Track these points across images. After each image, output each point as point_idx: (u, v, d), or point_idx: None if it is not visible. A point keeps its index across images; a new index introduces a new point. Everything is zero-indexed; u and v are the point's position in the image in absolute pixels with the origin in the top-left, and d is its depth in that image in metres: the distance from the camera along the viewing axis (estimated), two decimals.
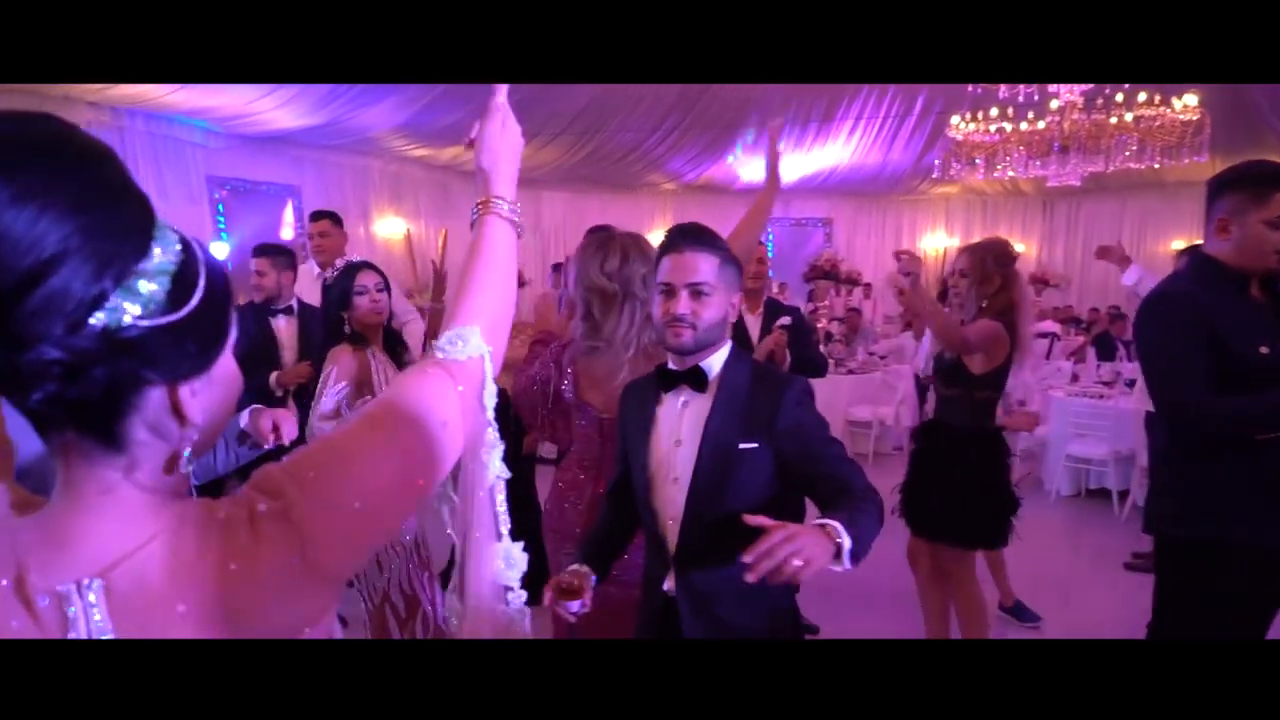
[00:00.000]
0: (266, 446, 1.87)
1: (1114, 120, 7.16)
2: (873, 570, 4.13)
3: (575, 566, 1.79)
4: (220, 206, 8.06)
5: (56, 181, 0.61)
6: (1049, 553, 4.93)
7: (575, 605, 1.69)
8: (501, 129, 1.06)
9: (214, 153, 7.84)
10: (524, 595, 1.03)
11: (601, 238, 2.24)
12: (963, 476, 3.06)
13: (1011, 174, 8.11)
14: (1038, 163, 7.73)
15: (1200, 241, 2.26)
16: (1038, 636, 3.86)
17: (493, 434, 0.97)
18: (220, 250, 7.71)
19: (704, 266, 1.72)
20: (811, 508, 1.64)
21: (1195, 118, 7.01)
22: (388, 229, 9.94)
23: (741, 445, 1.70)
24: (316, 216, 4.43)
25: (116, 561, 0.67)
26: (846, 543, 1.35)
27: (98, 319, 0.62)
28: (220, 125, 7.70)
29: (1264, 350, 2.00)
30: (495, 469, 0.99)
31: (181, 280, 0.68)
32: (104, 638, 0.66)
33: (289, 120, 7.81)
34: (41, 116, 0.64)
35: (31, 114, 0.64)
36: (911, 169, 11.72)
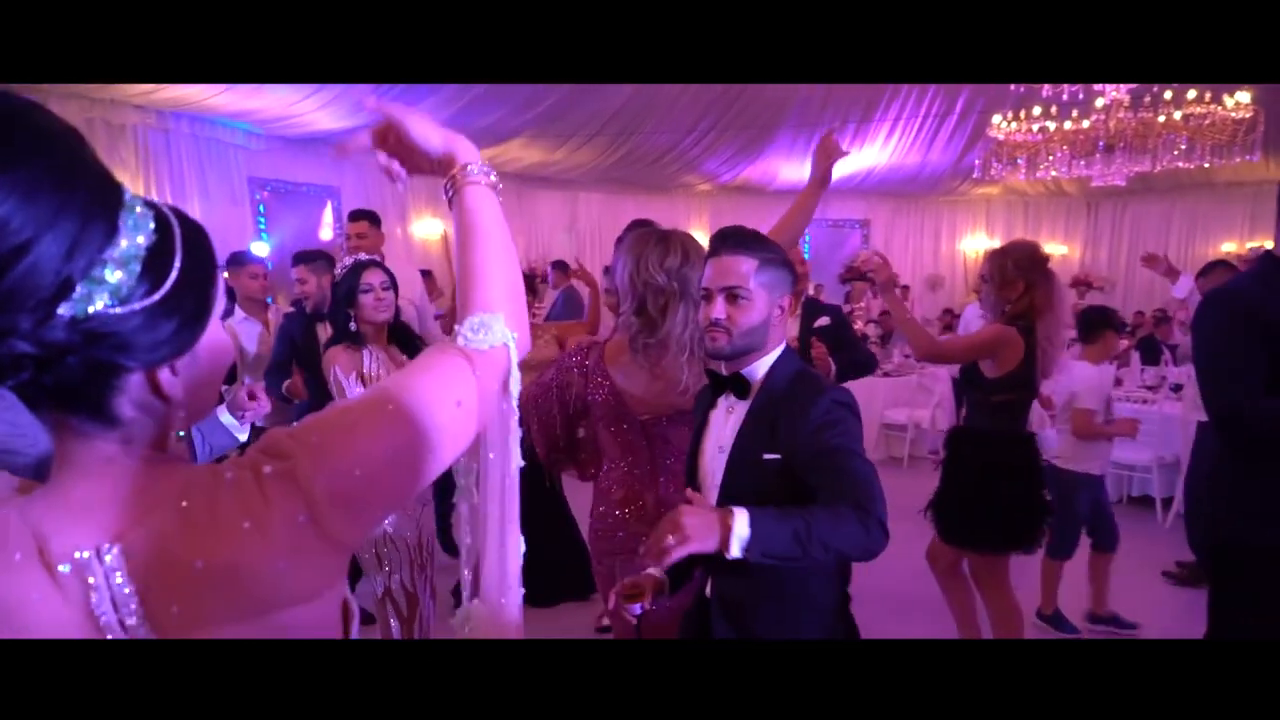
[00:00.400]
0: (245, 415, 2.00)
1: (1161, 119, 6.98)
2: (909, 578, 4.08)
3: (649, 570, 1.76)
4: (261, 207, 8.21)
5: (18, 171, 0.59)
6: (1080, 560, 4.81)
7: (636, 608, 1.68)
8: (411, 114, 0.96)
9: (255, 154, 7.98)
10: (523, 592, 1.02)
11: (661, 233, 2.16)
12: (985, 480, 3.02)
13: (1054, 174, 7.95)
14: (1082, 162, 7.57)
15: (1270, 244, 2.18)
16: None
17: (514, 423, 0.94)
18: (261, 250, 7.84)
19: (740, 270, 1.68)
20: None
21: (1248, 115, 6.81)
22: (425, 230, 10.03)
23: (765, 456, 1.65)
24: (355, 217, 4.42)
25: (131, 525, 0.68)
26: (741, 530, 1.35)
27: (65, 309, 0.61)
28: (262, 127, 7.83)
29: None
30: (517, 459, 0.96)
31: (154, 263, 0.67)
32: (129, 600, 0.67)
33: (329, 122, 7.92)
34: None
35: None
36: (951, 169, 11.56)
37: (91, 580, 0.67)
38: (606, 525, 2.21)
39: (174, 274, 0.68)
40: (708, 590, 1.77)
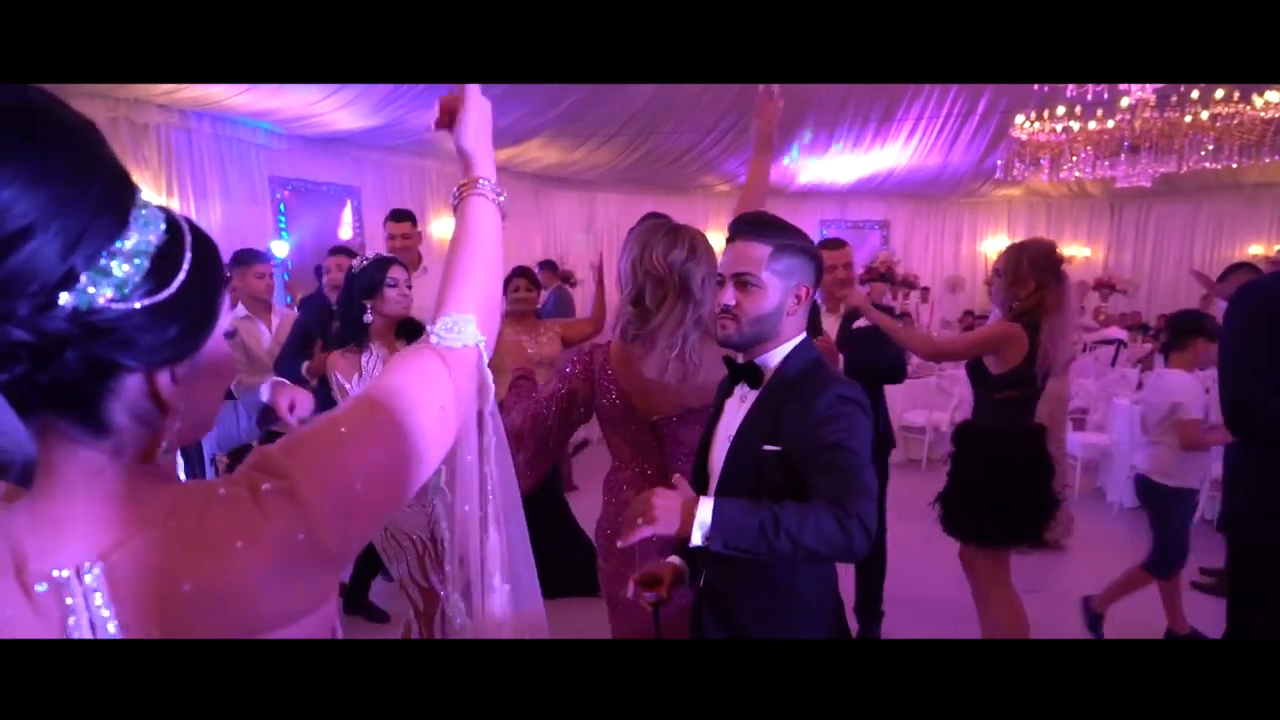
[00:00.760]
0: (287, 420, 1.97)
1: (1188, 119, 6.88)
2: (926, 582, 4.04)
3: (669, 560, 1.77)
4: (282, 206, 8.26)
5: (20, 153, 0.58)
6: (1113, 567, 4.73)
7: (652, 595, 1.67)
8: (480, 107, 1.03)
9: (276, 154, 8.04)
10: (507, 589, 1.01)
11: (672, 225, 2.12)
12: (989, 475, 3.01)
13: (1077, 175, 7.85)
14: (1106, 163, 7.47)
15: None
16: None
17: (494, 426, 0.95)
18: (280, 249, 7.90)
19: (752, 256, 1.64)
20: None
21: (1278, 115, 6.70)
22: (444, 229, 10.07)
23: (765, 447, 1.61)
24: (400, 217, 4.39)
25: (116, 544, 0.66)
26: (702, 516, 1.38)
27: (67, 300, 0.60)
28: (283, 127, 7.88)
29: None
30: (499, 462, 0.97)
31: (162, 261, 0.65)
32: (106, 623, 0.65)
33: (350, 121, 7.97)
34: (16, 89, 0.62)
35: (5, 86, 0.62)
36: (973, 170, 11.46)
37: (69, 601, 0.64)
38: (615, 524, 2.15)
39: (182, 275, 0.67)
40: (701, 580, 1.76)
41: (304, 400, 2.00)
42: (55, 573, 0.64)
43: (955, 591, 3.48)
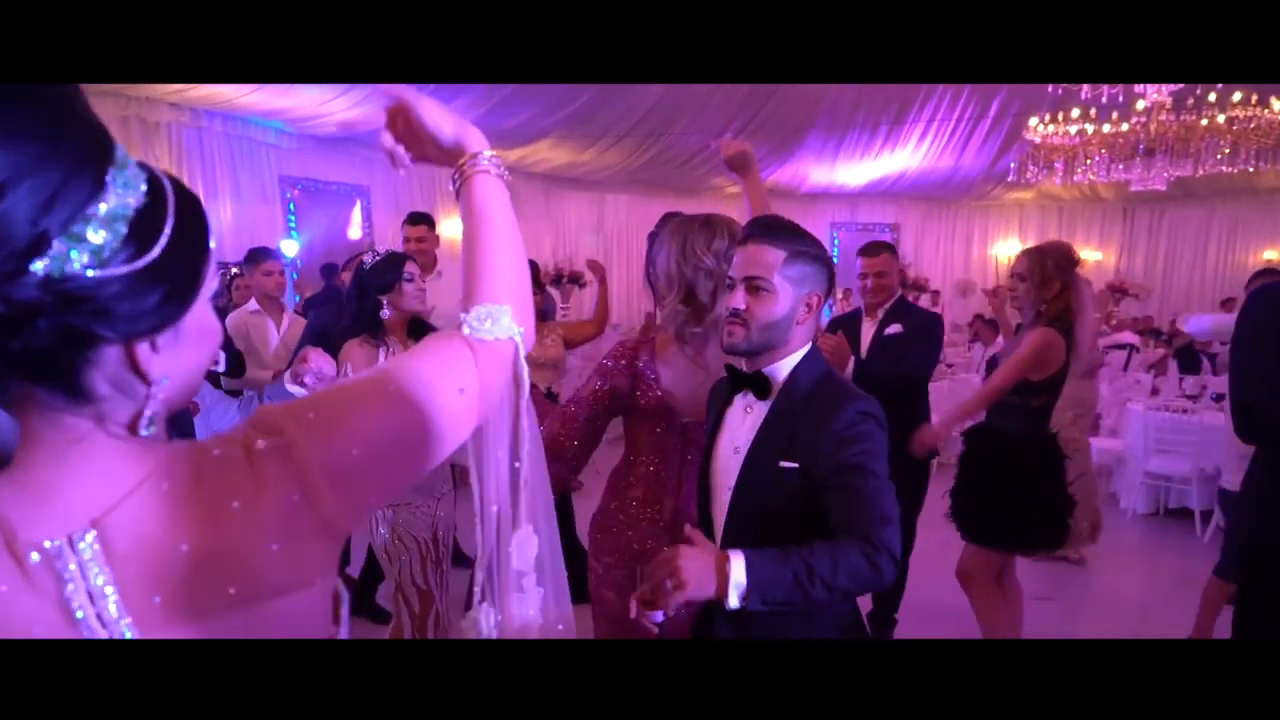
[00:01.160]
0: (306, 378, 2.03)
1: (1204, 122, 6.82)
2: (941, 587, 3.99)
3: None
4: (291, 206, 8.27)
5: None
6: (1126, 574, 4.70)
7: (659, 616, 1.59)
8: (425, 100, 0.94)
9: (286, 153, 8.06)
10: (540, 593, 0.98)
11: (705, 217, 2.08)
12: (1015, 481, 2.97)
13: (1091, 178, 7.80)
14: (1121, 166, 7.41)
15: None
16: None
17: (527, 421, 0.91)
18: (290, 248, 7.91)
19: (764, 260, 1.60)
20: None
21: None
22: (453, 229, 10.07)
23: (782, 463, 1.57)
24: (415, 220, 4.37)
25: (108, 509, 0.63)
26: (738, 576, 1.30)
27: (39, 266, 0.56)
28: (293, 126, 7.90)
29: None
30: (532, 458, 0.93)
31: (142, 226, 0.61)
32: (104, 590, 0.62)
33: (360, 121, 7.97)
34: None
35: None
36: (984, 173, 11.41)
37: (65, 570, 0.61)
38: (616, 522, 2.10)
39: (163, 240, 0.63)
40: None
41: (324, 361, 2.09)
42: (47, 543, 0.61)
43: (964, 597, 3.44)
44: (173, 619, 0.64)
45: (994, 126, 9.84)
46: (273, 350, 4.13)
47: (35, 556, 0.61)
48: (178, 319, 0.66)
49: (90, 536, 0.62)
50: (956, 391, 7.17)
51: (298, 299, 7.31)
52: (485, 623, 0.96)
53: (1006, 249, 13.23)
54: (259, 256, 4.32)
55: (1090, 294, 3.05)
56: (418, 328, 2.79)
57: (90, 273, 0.58)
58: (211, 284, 0.70)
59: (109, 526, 0.62)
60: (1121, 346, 8.51)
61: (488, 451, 0.91)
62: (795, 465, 1.56)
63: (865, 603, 3.69)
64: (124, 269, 0.60)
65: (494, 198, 0.91)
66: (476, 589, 0.96)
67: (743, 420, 1.69)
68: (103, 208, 0.59)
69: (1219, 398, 5.61)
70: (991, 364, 3.17)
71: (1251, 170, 7.06)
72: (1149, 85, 6.47)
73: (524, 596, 0.95)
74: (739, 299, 1.60)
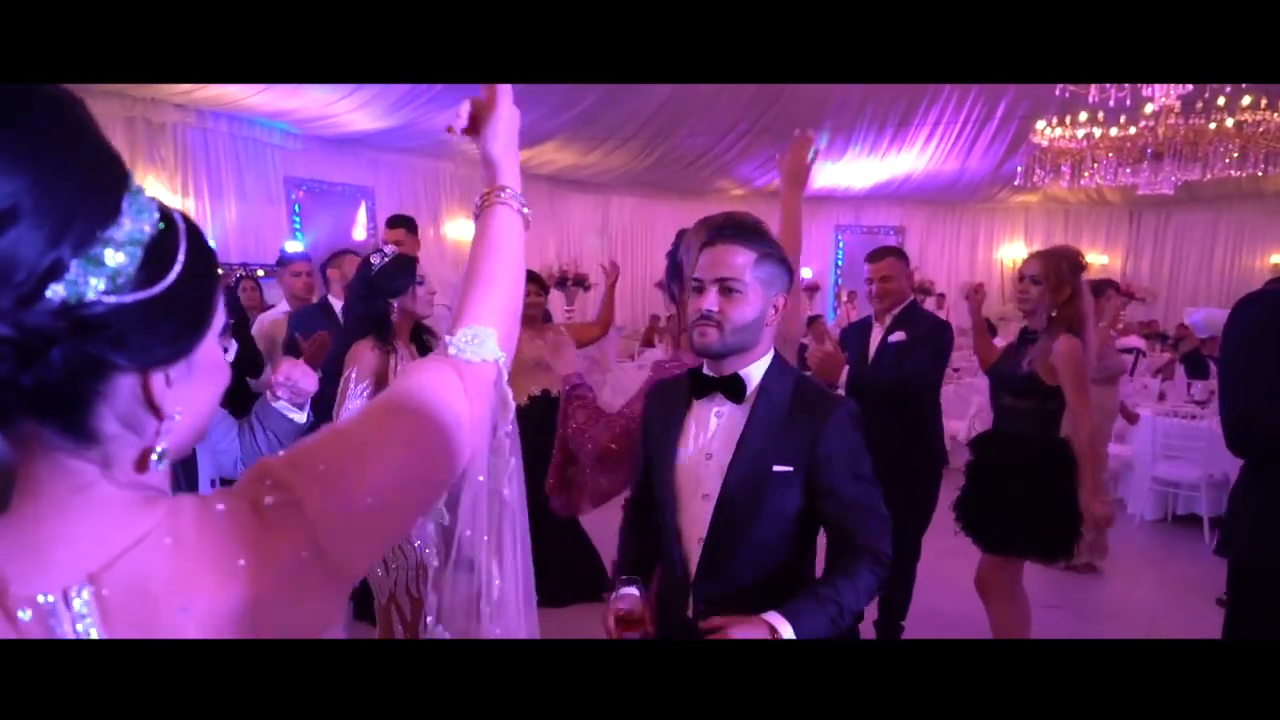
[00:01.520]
0: (287, 392, 1.98)
1: (1212, 126, 6.78)
2: (947, 592, 3.97)
3: (630, 592, 1.67)
4: (296, 207, 8.27)
5: (6, 127, 0.53)
6: (1134, 581, 4.67)
7: (635, 634, 1.60)
8: (510, 114, 0.99)
9: (292, 154, 8.06)
10: (497, 631, 0.96)
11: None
12: (1026, 485, 2.93)
13: (1099, 182, 7.76)
14: (1128, 170, 7.37)
15: None
16: None
17: (511, 446, 0.91)
18: (295, 249, 7.91)
19: (736, 261, 1.59)
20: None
21: None
22: (458, 231, 10.07)
23: (776, 468, 1.58)
24: (393, 224, 4.32)
25: (107, 564, 0.60)
26: (787, 634, 1.43)
27: (55, 292, 0.54)
28: (299, 127, 7.90)
29: None
30: (514, 486, 0.92)
31: (157, 252, 0.60)
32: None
33: (365, 123, 7.98)
34: None
35: None
36: (990, 176, 11.38)
37: (56, 627, 0.58)
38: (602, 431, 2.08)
39: (177, 267, 0.61)
40: (689, 610, 1.66)
41: (298, 372, 2.01)
42: (40, 598, 0.58)
43: (974, 604, 3.41)
44: None
45: (1000, 129, 9.81)
46: None
47: (25, 614, 0.58)
48: (191, 350, 0.64)
49: (86, 592, 0.59)
50: (962, 396, 7.15)
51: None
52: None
53: (1012, 252, 13.19)
54: (287, 258, 4.31)
55: (1090, 298, 3.02)
56: (418, 331, 2.77)
57: (107, 298, 0.56)
58: (220, 320, 0.68)
59: (107, 582, 0.59)
60: (1128, 351, 8.48)
61: (469, 476, 0.89)
62: (790, 469, 1.59)
63: (871, 609, 3.66)
64: (140, 295, 0.58)
65: (508, 230, 0.93)
66: (429, 614, 0.95)
67: (712, 425, 1.66)
68: (120, 232, 0.57)
69: None
70: (1014, 373, 3.07)
71: (1260, 174, 7.01)
72: (1157, 89, 6.44)
73: (481, 626, 0.94)
74: (711, 301, 1.59)
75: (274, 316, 4.22)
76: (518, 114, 0.99)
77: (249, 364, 3.74)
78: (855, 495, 1.59)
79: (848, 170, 11.37)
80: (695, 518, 1.65)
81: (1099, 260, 12.62)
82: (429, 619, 0.96)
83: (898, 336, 3.37)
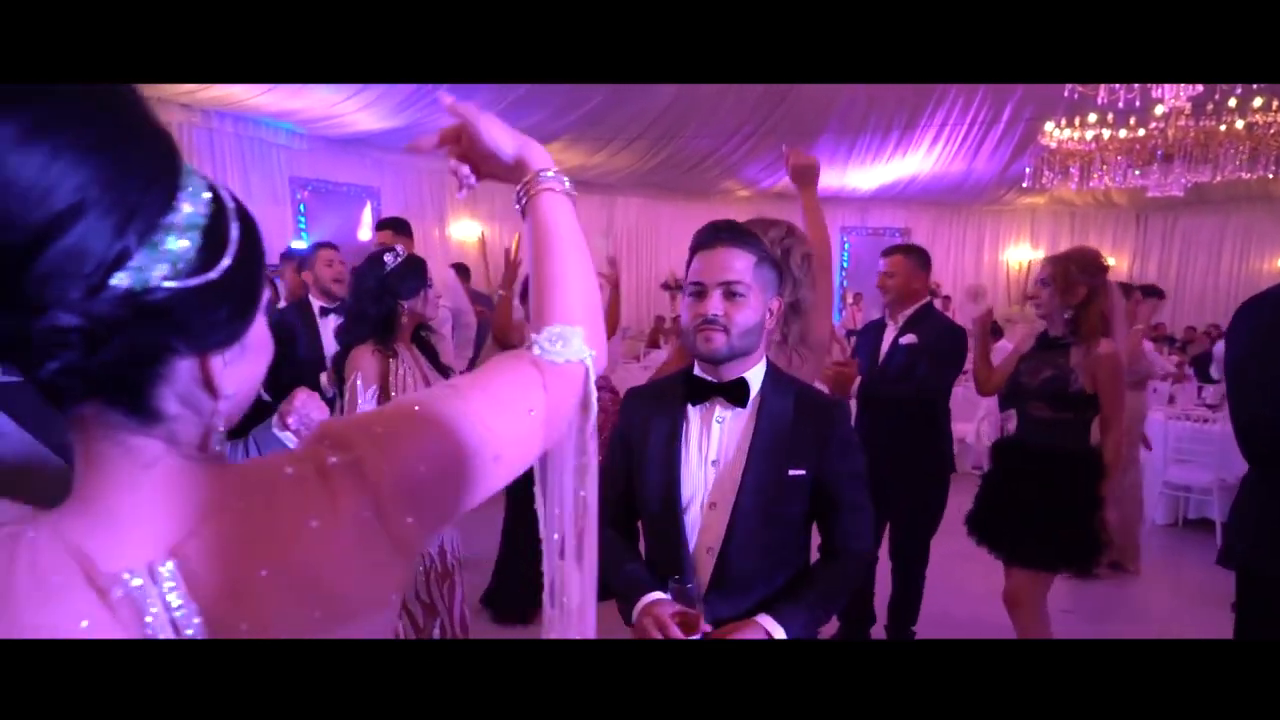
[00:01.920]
0: (295, 424, 1.92)
1: (1222, 128, 6.73)
2: (956, 596, 3.93)
3: (664, 596, 1.59)
4: (302, 207, 8.27)
5: (70, 119, 0.52)
6: (1147, 586, 4.63)
7: (698, 636, 1.54)
8: (486, 117, 0.93)
9: (297, 154, 8.05)
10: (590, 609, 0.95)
11: (760, 220, 2.04)
12: (1067, 499, 2.83)
13: (1108, 183, 7.71)
14: (1137, 172, 7.32)
15: None
16: None
17: (594, 448, 0.89)
18: (299, 248, 7.90)
19: (739, 265, 1.56)
20: None
21: None
22: (463, 232, 10.06)
23: (791, 472, 1.57)
24: (382, 226, 4.27)
25: (185, 536, 0.60)
26: (780, 635, 1.50)
27: (120, 280, 0.54)
28: (304, 127, 7.89)
29: None
30: (593, 487, 0.90)
31: (213, 236, 0.60)
32: (190, 619, 0.59)
33: (371, 123, 7.96)
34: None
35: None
36: (997, 178, 11.34)
37: (146, 603, 0.58)
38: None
39: (231, 249, 0.61)
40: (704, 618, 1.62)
41: (312, 404, 1.95)
42: (126, 575, 0.59)
43: (985, 608, 3.38)
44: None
45: (1007, 131, 9.77)
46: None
47: (118, 592, 0.58)
48: (246, 330, 0.65)
49: (170, 565, 0.59)
50: (970, 399, 7.11)
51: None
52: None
53: (1018, 254, 13.15)
54: (318, 246, 4.19)
55: (1121, 300, 2.94)
56: (416, 330, 2.73)
57: (169, 284, 0.56)
58: (266, 295, 0.69)
59: (188, 554, 0.60)
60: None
61: (553, 477, 0.88)
62: (803, 472, 1.58)
63: (881, 614, 3.63)
64: (199, 280, 0.58)
65: (562, 216, 0.90)
66: (546, 623, 0.94)
67: (712, 431, 1.62)
68: (179, 217, 0.57)
69: None
70: (1051, 381, 2.97)
71: (1270, 177, 6.97)
72: (1167, 90, 6.39)
73: (579, 626, 0.92)
74: (716, 305, 1.55)
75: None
76: (492, 115, 0.94)
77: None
78: (851, 495, 1.62)
79: (853, 172, 11.34)
80: (705, 527, 1.61)
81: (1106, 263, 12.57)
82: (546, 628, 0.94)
83: (909, 339, 3.32)
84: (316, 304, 3.80)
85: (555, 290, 0.85)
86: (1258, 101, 6.59)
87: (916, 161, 10.89)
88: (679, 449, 1.63)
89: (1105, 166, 7.46)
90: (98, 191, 0.52)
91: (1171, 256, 12.55)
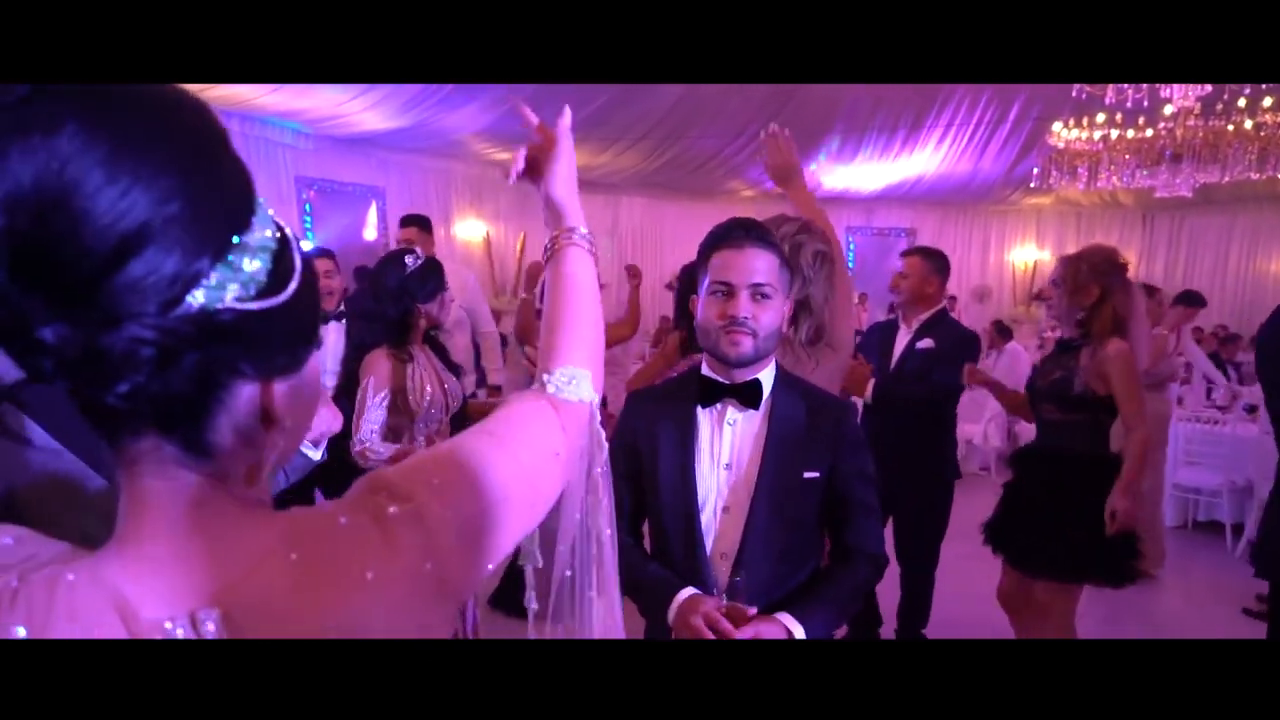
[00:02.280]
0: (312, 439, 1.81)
1: (1231, 128, 6.70)
2: (961, 599, 3.91)
3: (699, 593, 1.56)
4: (308, 206, 8.26)
5: (159, 134, 0.53)
6: (1155, 589, 4.60)
7: (749, 633, 1.52)
8: (569, 155, 1.02)
9: (303, 154, 8.04)
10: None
11: (780, 217, 2.04)
12: (1086, 506, 2.77)
13: (1116, 183, 7.67)
14: (1145, 172, 7.29)
15: None
16: None
17: (605, 486, 0.93)
18: (305, 248, 7.92)
19: (764, 265, 1.53)
20: None
21: None
22: (468, 231, 10.06)
23: (806, 475, 1.56)
24: (405, 223, 4.21)
25: (232, 583, 0.58)
26: (800, 634, 1.47)
27: (195, 298, 0.53)
28: (310, 127, 7.88)
29: None
30: (609, 525, 0.95)
31: (281, 261, 0.60)
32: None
33: (376, 122, 7.96)
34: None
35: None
36: (1003, 178, 11.30)
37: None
38: None
39: (296, 275, 0.61)
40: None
41: (333, 416, 1.86)
42: (168, 623, 0.57)
43: (998, 611, 3.35)
44: None
45: (1013, 131, 9.73)
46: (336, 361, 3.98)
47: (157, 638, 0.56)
48: (308, 357, 0.65)
49: (214, 614, 0.57)
50: (978, 400, 7.09)
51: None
52: None
53: (1023, 254, 13.11)
54: (316, 254, 4.08)
55: (1140, 303, 2.89)
56: (429, 338, 2.72)
57: (239, 305, 0.56)
58: (320, 330, 0.69)
59: (234, 603, 0.58)
60: None
61: (566, 514, 0.91)
62: (817, 474, 1.57)
63: (891, 618, 3.61)
64: (267, 303, 0.58)
65: (582, 270, 0.97)
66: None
67: (724, 434, 1.59)
68: (253, 238, 0.57)
69: (1251, 409, 5.50)
70: (1060, 384, 2.90)
71: (1279, 177, 6.92)
72: (1175, 91, 6.36)
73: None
74: (745, 307, 1.51)
75: None
76: (574, 152, 1.02)
77: None
78: (861, 496, 1.61)
79: (859, 172, 11.32)
80: (720, 533, 1.59)
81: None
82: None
83: (926, 343, 3.31)
84: None
85: (569, 334, 0.90)
86: (1267, 101, 6.54)
87: (922, 161, 10.86)
88: (692, 452, 1.60)
89: (1113, 167, 7.42)
90: (182, 208, 0.52)
91: (1178, 257, 12.50)
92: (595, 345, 0.92)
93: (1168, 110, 6.73)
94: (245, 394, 0.59)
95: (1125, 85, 6.25)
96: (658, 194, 11.97)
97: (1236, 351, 7.49)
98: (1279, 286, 10.84)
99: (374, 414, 2.46)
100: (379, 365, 2.51)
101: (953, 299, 11.31)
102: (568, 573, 0.91)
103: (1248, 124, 6.66)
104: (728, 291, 1.53)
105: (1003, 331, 8.82)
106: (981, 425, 6.93)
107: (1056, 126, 7.59)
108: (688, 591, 1.53)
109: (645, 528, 1.74)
